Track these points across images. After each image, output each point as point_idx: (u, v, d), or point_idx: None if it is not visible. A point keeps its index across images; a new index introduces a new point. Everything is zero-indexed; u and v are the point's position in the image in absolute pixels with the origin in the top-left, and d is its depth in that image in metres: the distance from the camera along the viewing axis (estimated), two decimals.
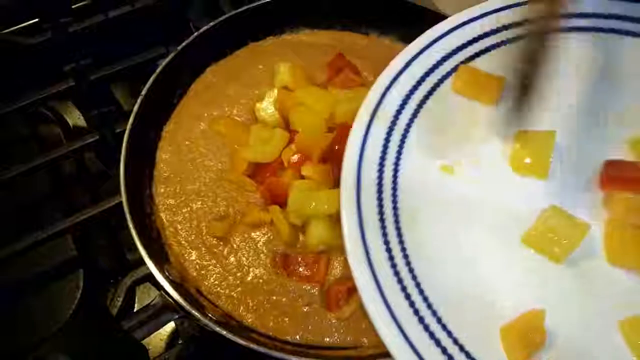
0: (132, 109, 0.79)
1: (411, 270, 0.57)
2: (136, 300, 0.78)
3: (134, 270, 0.74)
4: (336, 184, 0.66)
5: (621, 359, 0.55)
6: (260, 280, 0.70)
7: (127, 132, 0.76)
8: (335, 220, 0.70)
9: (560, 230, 0.59)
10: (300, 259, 0.71)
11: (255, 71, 0.87)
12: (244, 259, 0.72)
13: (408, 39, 0.73)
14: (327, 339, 0.67)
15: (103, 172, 0.93)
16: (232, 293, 0.70)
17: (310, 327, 0.68)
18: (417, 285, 0.56)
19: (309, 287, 0.70)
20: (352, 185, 0.60)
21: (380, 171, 0.62)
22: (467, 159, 0.65)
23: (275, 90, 0.80)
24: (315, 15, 0.93)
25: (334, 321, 0.68)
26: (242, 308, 0.69)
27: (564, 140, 0.65)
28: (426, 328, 0.54)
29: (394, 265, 0.57)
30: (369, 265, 0.56)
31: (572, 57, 0.68)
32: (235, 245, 0.73)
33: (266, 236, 0.73)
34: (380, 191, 0.61)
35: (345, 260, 0.64)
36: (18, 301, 0.77)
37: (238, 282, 0.70)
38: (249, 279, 0.70)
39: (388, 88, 0.66)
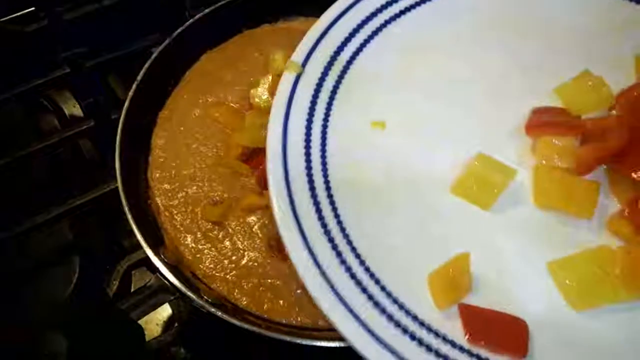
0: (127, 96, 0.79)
1: (339, 221, 0.58)
2: (132, 285, 0.79)
3: (130, 255, 0.75)
4: None
5: (551, 300, 0.55)
6: (255, 264, 0.71)
7: (122, 118, 0.77)
8: None
9: (487, 177, 0.61)
10: None
11: (251, 58, 0.88)
12: (239, 242, 0.72)
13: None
14: (321, 322, 0.67)
15: (99, 159, 0.93)
16: (227, 276, 0.70)
17: (304, 310, 0.68)
18: (344, 232, 0.58)
19: None
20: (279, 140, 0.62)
21: (308, 128, 0.63)
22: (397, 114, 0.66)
23: (270, 77, 0.81)
24: (310, 3, 0.93)
25: None
26: (237, 291, 0.69)
27: (490, 91, 0.68)
28: (352, 275, 0.55)
29: (321, 218, 0.58)
30: (294, 218, 0.57)
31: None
32: (230, 230, 0.73)
33: (261, 220, 0.73)
34: (308, 147, 0.62)
35: None
36: (14, 287, 0.77)
37: (233, 265, 0.71)
38: (243, 262, 0.71)
39: (314, 47, 0.69)
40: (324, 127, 0.64)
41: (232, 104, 0.83)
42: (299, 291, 0.69)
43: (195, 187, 0.76)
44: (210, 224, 0.73)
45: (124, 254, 0.76)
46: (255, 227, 0.73)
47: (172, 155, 0.79)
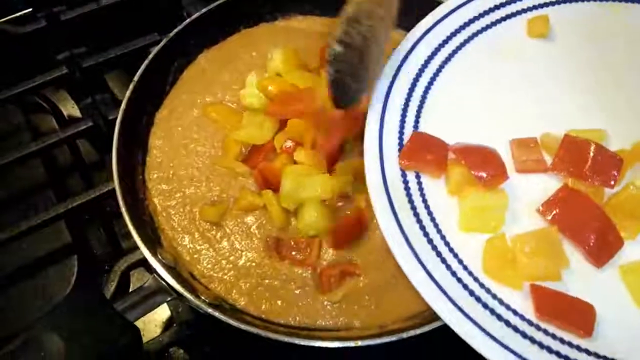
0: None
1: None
2: (130, 285, 0.78)
3: (128, 255, 0.75)
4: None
5: (619, 299, 0.60)
6: (253, 264, 0.71)
7: (119, 118, 0.76)
8: (327, 205, 0.71)
9: None
10: (292, 243, 0.71)
11: (248, 57, 0.87)
12: (236, 243, 0.72)
13: (400, 26, 0.73)
14: (319, 322, 0.67)
15: (96, 159, 0.94)
16: (225, 277, 0.70)
17: (302, 310, 0.68)
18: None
19: (300, 271, 0.70)
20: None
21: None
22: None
23: (254, 74, 0.80)
24: (308, 1, 0.93)
25: (325, 304, 0.68)
26: (235, 291, 0.69)
27: None
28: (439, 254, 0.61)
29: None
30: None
31: None
32: (228, 230, 0.73)
33: (259, 221, 0.73)
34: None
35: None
36: (13, 287, 0.77)
37: (231, 265, 0.71)
38: (241, 262, 0.71)
39: (413, 48, 0.72)
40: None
41: (229, 104, 0.83)
42: (297, 291, 0.69)
43: (192, 188, 0.76)
44: (207, 224, 0.73)
45: (122, 254, 0.76)
46: (253, 227, 0.73)
47: (169, 156, 0.79)
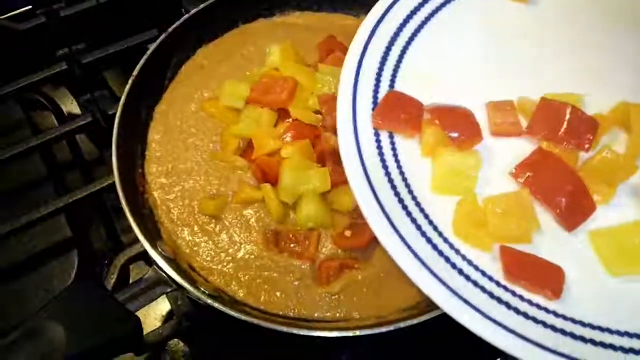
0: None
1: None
2: (130, 278, 0.79)
3: (128, 249, 0.75)
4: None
5: (588, 264, 0.60)
6: (252, 257, 0.71)
7: (119, 113, 0.77)
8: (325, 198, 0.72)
9: None
10: (291, 236, 0.72)
11: (246, 53, 0.88)
12: (235, 236, 0.73)
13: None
14: (318, 314, 0.68)
15: (96, 154, 0.94)
16: (225, 269, 0.71)
17: (301, 302, 0.69)
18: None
19: (299, 263, 0.71)
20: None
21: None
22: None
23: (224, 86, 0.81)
24: None
25: (324, 296, 0.69)
26: (234, 283, 0.70)
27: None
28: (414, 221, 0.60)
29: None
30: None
31: None
32: (227, 223, 0.74)
33: (257, 214, 0.74)
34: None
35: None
36: (14, 281, 0.78)
37: (230, 258, 0.71)
38: (240, 255, 0.71)
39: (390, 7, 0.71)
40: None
41: None
42: (296, 283, 0.69)
43: (192, 181, 0.77)
44: (207, 217, 0.74)
45: (122, 248, 0.77)
46: (252, 220, 0.73)
47: (168, 150, 0.79)
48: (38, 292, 0.77)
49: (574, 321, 0.55)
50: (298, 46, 0.86)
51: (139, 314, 0.64)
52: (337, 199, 0.72)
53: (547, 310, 0.55)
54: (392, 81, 0.67)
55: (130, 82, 0.80)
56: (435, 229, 0.59)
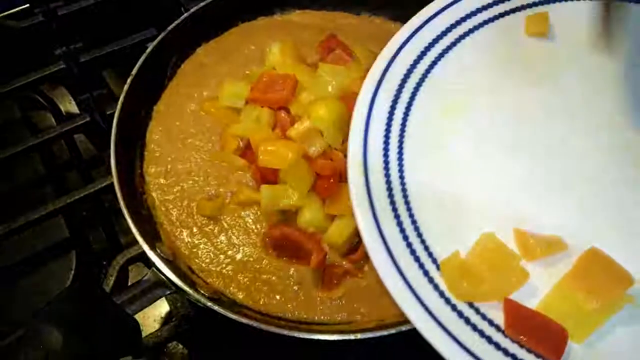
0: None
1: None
2: (129, 280, 0.78)
3: (126, 250, 0.74)
4: None
5: None
6: (251, 259, 0.70)
7: (117, 112, 0.76)
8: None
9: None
10: (291, 240, 0.71)
11: (246, 51, 0.87)
12: (234, 237, 0.72)
13: (400, 19, 0.72)
14: (318, 317, 0.67)
15: (94, 154, 0.93)
16: (223, 271, 0.70)
17: (301, 305, 0.68)
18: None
19: (299, 267, 0.70)
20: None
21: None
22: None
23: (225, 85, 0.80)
24: None
25: (325, 300, 0.68)
26: (233, 285, 0.69)
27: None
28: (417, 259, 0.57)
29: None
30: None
31: None
32: (225, 225, 0.73)
33: (256, 215, 0.73)
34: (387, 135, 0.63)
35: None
36: (11, 282, 0.77)
37: (229, 260, 0.70)
38: (239, 257, 0.71)
39: (392, 59, 0.67)
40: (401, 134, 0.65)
41: None
42: (295, 287, 0.68)
43: (191, 182, 0.76)
44: (205, 218, 0.73)
45: (120, 249, 0.76)
46: (251, 222, 0.73)
47: (167, 150, 0.78)
48: (36, 293, 0.77)
49: None
50: (298, 45, 0.85)
51: (138, 316, 0.63)
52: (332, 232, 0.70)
53: None
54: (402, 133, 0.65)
55: (128, 81, 0.79)
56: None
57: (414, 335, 0.60)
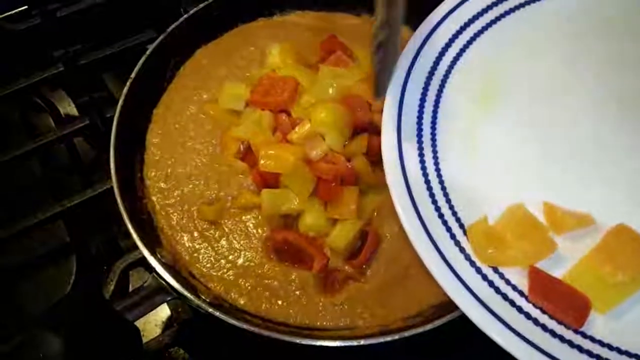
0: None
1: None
2: (130, 285, 0.78)
3: (127, 255, 0.74)
4: None
5: None
6: (252, 264, 0.70)
7: (116, 115, 0.76)
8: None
9: None
10: (291, 244, 0.70)
11: (246, 53, 0.86)
12: (235, 242, 0.71)
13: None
14: (321, 322, 0.67)
15: (94, 157, 0.93)
16: (224, 276, 0.69)
17: (303, 310, 0.67)
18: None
19: (301, 272, 0.69)
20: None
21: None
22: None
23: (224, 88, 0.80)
24: None
25: (327, 305, 0.67)
26: (234, 291, 0.68)
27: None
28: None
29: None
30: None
31: None
32: (226, 229, 0.72)
33: (257, 220, 0.72)
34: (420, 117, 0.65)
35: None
36: (11, 287, 0.77)
37: (230, 265, 0.70)
38: (240, 262, 0.70)
39: (419, 50, 0.69)
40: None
41: None
42: (297, 292, 0.68)
43: (191, 186, 0.75)
44: (206, 223, 0.72)
45: (121, 254, 0.75)
46: (252, 226, 0.72)
47: (167, 154, 0.78)
48: (36, 298, 0.76)
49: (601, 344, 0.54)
50: (298, 46, 0.85)
51: (139, 321, 0.63)
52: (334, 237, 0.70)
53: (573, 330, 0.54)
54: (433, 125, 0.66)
55: (128, 84, 0.78)
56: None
57: (417, 341, 0.60)
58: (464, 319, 0.54)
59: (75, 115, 0.97)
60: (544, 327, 0.54)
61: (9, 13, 1.00)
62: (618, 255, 0.57)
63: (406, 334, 0.60)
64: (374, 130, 0.73)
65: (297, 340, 0.61)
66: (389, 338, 0.60)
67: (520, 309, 0.55)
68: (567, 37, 0.72)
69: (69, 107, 0.99)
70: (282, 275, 0.69)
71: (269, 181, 0.72)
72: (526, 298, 0.56)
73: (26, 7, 1.00)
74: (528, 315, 0.55)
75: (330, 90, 0.76)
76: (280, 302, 0.67)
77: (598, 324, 0.55)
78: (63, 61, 0.92)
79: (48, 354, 0.54)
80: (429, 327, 0.60)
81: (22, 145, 0.83)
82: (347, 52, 0.83)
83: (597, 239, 0.58)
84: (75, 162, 0.92)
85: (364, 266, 0.69)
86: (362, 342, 0.60)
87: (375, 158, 0.73)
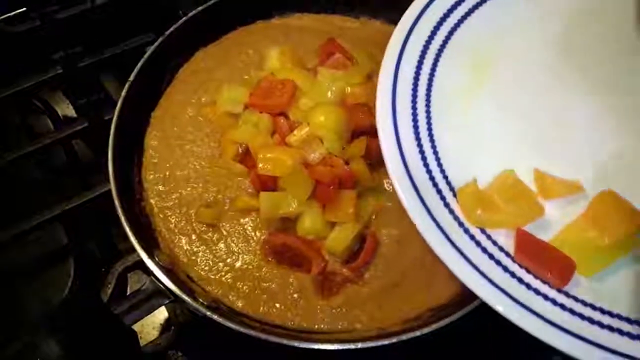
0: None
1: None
2: (128, 287, 0.78)
3: (125, 257, 0.74)
4: None
5: None
6: (250, 267, 0.70)
7: (115, 118, 0.76)
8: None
9: None
10: (289, 247, 0.70)
11: (245, 56, 0.86)
12: (233, 245, 0.71)
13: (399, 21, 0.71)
14: (318, 325, 0.67)
15: (92, 160, 0.93)
16: (222, 279, 0.69)
17: (301, 313, 0.67)
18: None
19: (298, 275, 0.69)
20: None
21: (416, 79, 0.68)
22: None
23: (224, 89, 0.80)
24: None
25: (325, 308, 0.67)
26: (232, 294, 0.68)
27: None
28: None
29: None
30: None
31: None
32: (224, 232, 0.72)
33: (255, 222, 0.72)
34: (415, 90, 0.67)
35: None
36: (9, 289, 0.77)
37: (228, 268, 0.70)
38: (238, 265, 0.70)
39: (410, 30, 0.70)
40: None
41: None
42: (295, 295, 0.68)
43: (189, 188, 0.75)
44: (204, 225, 0.72)
45: (119, 256, 0.75)
46: (250, 229, 0.72)
47: (165, 156, 0.78)
48: (34, 300, 0.76)
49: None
50: (297, 49, 0.85)
51: (137, 324, 0.63)
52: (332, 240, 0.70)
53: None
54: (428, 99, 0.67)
55: (126, 86, 0.78)
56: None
57: (415, 343, 0.60)
58: (461, 322, 0.55)
59: (74, 117, 0.97)
60: (528, 286, 0.56)
61: (8, 15, 1.00)
62: (604, 220, 0.58)
63: (404, 337, 0.60)
64: (373, 133, 0.74)
65: (295, 344, 0.61)
66: (386, 341, 0.60)
67: (505, 268, 0.57)
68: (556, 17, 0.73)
69: (67, 110, 0.99)
70: (280, 278, 0.69)
71: (268, 184, 0.72)
72: (512, 258, 0.57)
73: (25, 9, 1.00)
74: (513, 274, 0.56)
75: (329, 93, 0.76)
76: (278, 305, 0.67)
77: (582, 284, 0.56)
78: (62, 63, 0.92)
79: (46, 358, 0.54)
80: (426, 330, 0.60)
81: (20, 148, 0.83)
82: (346, 55, 0.83)
83: (585, 207, 0.60)
84: (73, 165, 0.92)
85: (361, 269, 0.69)
86: (360, 345, 0.60)
87: (374, 161, 0.73)
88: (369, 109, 0.74)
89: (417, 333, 0.60)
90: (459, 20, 0.72)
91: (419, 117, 0.65)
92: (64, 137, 0.86)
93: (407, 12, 0.71)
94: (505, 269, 0.57)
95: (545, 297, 0.55)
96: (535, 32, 0.72)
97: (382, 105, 0.65)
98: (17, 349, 0.55)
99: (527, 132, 0.66)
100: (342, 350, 0.60)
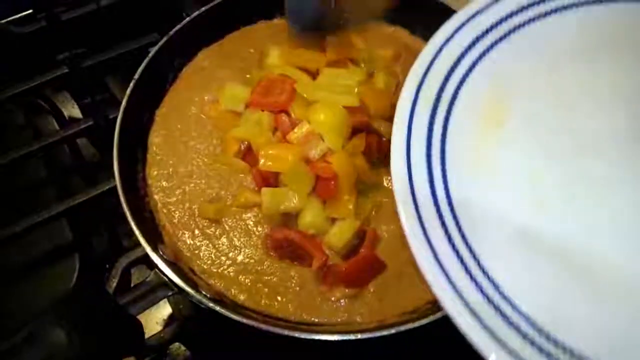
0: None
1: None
2: (131, 282, 0.79)
3: (129, 253, 0.75)
4: None
5: None
6: (252, 261, 0.71)
7: (119, 116, 0.77)
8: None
9: None
10: (291, 242, 0.71)
11: (247, 55, 0.88)
12: (235, 240, 0.73)
13: (399, 22, 0.72)
14: (319, 318, 0.68)
15: (97, 158, 0.94)
16: (225, 273, 0.71)
17: (302, 306, 0.69)
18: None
19: (300, 269, 0.71)
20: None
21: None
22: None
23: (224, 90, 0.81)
24: None
25: (326, 301, 0.69)
26: (234, 287, 0.70)
27: None
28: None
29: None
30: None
31: None
32: (227, 227, 0.73)
33: (257, 218, 0.74)
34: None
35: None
36: (15, 285, 0.78)
37: (230, 262, 0.71)
38: (240, 259, 0.71)
39: (426, 71, 0.67)
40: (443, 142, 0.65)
41: None
42: (297, 288, 0.69)
43: (192, 184, 0.77)
44: (207, 220, 0.74)
45: (123, 251, 0.76)
46: (252, 224, 0.73)
47: (169, 153, 0.79)
48: (39, 295, 0.78)
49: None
50: (297, 48, 0.86)
51: (140, 317, 0.64)
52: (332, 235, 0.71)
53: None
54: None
55: (131, 85, 0.80)
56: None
57: (414, 334, 0.61)
58: None
59: (79, 116, 0.99)
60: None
61: (15, 17, 1.02)
62: None
63: (402, 328, 0.61)
64: (372, 130, 0.75)
65: (296, 334, 0.62)
66: (385, 332, 0.61)
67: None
68: (577, 55, 0.67)
69: (72, 109, 1.01)
70: (282, 272, 0.70)
71: (269, 180, 0.73)
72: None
73: (31, 10, 1.02)
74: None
75: (329, 92, 0.77)
76: (279, 298, 0.68)
77: None
78: (67, 64, 0.93)
79: (52, 347, 0.56)
80: (424, 321, 0.61)
81: (26, 146, 0.85)
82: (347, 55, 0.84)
83: None
84: (78, 163, 0.93)
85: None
86: (360, 335, 0.61)
87: (373, 157, 0.75)
88: (367, 107, 0.75)
89: (416, 324, 0.61)
90: (472, 63, 0.67)
91: (433, 169, 0.62)
92: (69, 136, 0.88)
93: (417, 61, 0.67)
94: None
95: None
96: (554, 76, 0.67)
97: (397, 159, 0.62)
98: (23, 336, 0.56)
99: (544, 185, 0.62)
100: (342, 341, 0.61)
